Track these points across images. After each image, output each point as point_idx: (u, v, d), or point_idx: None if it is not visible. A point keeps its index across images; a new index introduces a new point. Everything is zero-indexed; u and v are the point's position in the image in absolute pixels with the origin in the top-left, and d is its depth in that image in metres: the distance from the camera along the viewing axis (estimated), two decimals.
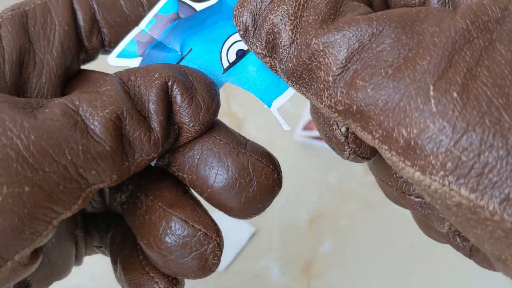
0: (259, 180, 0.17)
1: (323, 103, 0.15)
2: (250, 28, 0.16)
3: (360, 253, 0.36)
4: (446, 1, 0.16)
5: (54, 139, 0.14)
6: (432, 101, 0.13)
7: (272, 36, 0.16)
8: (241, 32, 0.16)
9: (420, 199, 0.18)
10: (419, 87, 0.13)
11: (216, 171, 0.17)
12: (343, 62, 0.14)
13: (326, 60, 0.14)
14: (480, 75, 0.13)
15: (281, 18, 0.15)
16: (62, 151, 0.14)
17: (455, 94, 0.13)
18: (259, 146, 0.18)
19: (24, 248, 0.14)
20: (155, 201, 0.17)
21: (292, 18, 0.15)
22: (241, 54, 0.18)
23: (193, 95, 0.17)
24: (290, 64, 0.15)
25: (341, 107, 0.14)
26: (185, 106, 0.16)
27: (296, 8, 0.15)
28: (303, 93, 0.16)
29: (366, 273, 0.35)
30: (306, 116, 0.45)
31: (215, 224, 0.17)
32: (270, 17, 0.15)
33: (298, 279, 0.34)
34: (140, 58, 0.18)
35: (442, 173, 0.13)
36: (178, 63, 0.18)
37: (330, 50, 0.14)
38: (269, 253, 0.36)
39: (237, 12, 0.16)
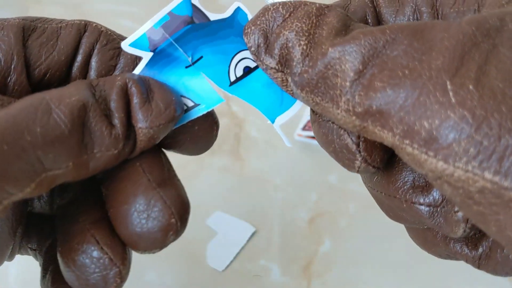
0: (154, 222, 0.18)
1: (340, 108, 0.16)
2: (262, 45, 0.17)
3: (360, 253, 0.36)
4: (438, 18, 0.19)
5: (14, 120, 0.15)
6: (451, 93, 0.14)
7: (286, 51, 0.17)
8: (252, 49, 0.18)
9: (429, 208, 0.18)
10: (437, 82, 0.14)
11: (126, 200, 0.18)
12: (360, 67, 0.15)
13: (343, 66, 0.16)
14: (490, 72, 0.14)
15: (295, 34, 0.17)
16: (21, 131, 0.15)
17: (471, 87, 0.14)
18: (179, 191, 0.19)
19: None
20: (82, 215, 0.18)
21: (306, 34, 0.17)
22: (247, 70, 0.19)
23: (147, 99, 0.18)
24: (305, 75, 0.16)
25: (359, 109, 0.15)
26: (137, 107, 0.17)
27: (309, 25, 0.17)
28: (316, 103, 0.17)
29: (366, 273, 0.35)
30: (306, 116, 0.45)
31: (125, 253, 0.18)
32: (284, 33, 0.17)
33: (298, 279, 0.34)
34: (151, 54, 0.18)
35: (465, 159, 0.13)
36: (187, 68, 0.19)
37: (347, 57, 0.16)
38: (269, 253, 0.36)
39: (248, 30, 0.18)
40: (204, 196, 0.40)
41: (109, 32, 0.20)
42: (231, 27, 0.19)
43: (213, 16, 0.19)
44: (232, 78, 0.19)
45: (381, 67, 0.15)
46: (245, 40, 0.18)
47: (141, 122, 0.17)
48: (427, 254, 0.36)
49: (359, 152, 0.18)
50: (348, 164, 0.18)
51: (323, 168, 0.42)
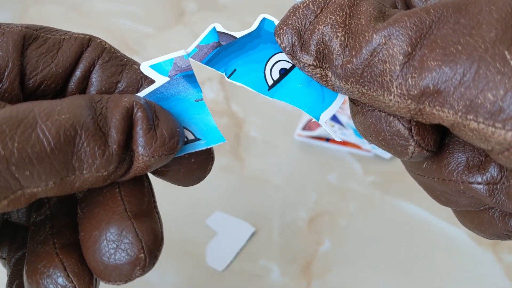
0: (122, 254, 0.17)
1: (392, 93, 0.16)
2: (296, 43, 0.17)
3: (360, 252, 0.36)
4: None
5: None
6: (511, 62, 0.14)
7: (323, 46, 0.17)
8: (287, 49, 0.17)
9: (489, 186, 0.18)
10: (494, 53, 0.14)
11: (98, 226, 0.17)
12: (409, 50, 0.15)
13: (391, 51, 0.15)
14: None
15: (331, 27, 0.16)
16: None
17: None
18: (155, 225, 0.18)
19: None
20: (54, 236, 0.18)
21: (342, 26, 0.16)
22: (284, 72, 0.19)
23: (152, 126, 0.17)
24: (349, 66, 0.16)
25: (415, 91, 0.15)
26: (141, 133, 0.17)
27: (344, 16, 0.17)
28: (362, 93, 0.16)
29: (366, 272, 0.35)
30: (306, 116, 0.45)
31: (91, 283, 0.17)
32: (319, 28, 0.17)
33: (298, 279, 0.34)
34: (167, 79, 0.18)
35: None
36: (196, 101, 0.19)
37: (394, 41, 0.15)
38: (269, 253, 0.36)
39: (281, 31, 0.17)
40: (204, 196, 0.40)
41: (113, 50, 0.19)
42: (259, 37, 0.20)
43: (239, 34, 0.19)
44: (270, 82, 0.19)
45: (431, 46, 0.15)
46: (278, 41, 0.18)
47: (142, 149, 0.17)
48: (427, 254, 0.36)
49: (412, 137, 0.17)
50: (400, 151, 0.18)
51: (322, 168, 0.42)
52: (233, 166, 0.42)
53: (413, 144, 0.17)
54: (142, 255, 0.17)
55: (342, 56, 0.16)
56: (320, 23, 0.17)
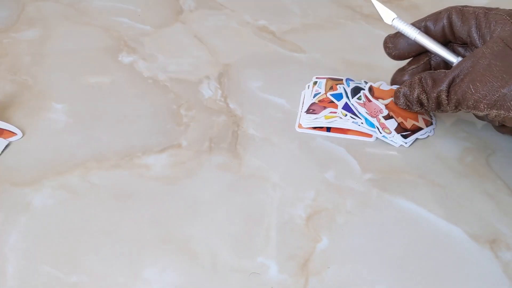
0: None
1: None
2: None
3: (358, 250, 0.36)
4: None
5: None
6: None
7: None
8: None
9: None
10: None
11: None
12: None
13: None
14: None
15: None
16: None
17: None
18: None
19: None
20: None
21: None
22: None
23: None
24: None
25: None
26: None
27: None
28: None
29: (364, 269, 0.35)
30: (305, 107, 0.45)
31: None
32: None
33: (295, 276, 0.35)
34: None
35: None
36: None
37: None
38: (266, 250, 0.36)
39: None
40: (202, 193, 0.40)
41: None
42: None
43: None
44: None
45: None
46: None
47: None
48: (424, 251, 0.36)
49: None
50: None
51: (320, 166, 0.42)
52: (230, 164, 0.42)
53: None
54: None
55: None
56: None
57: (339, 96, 0.45)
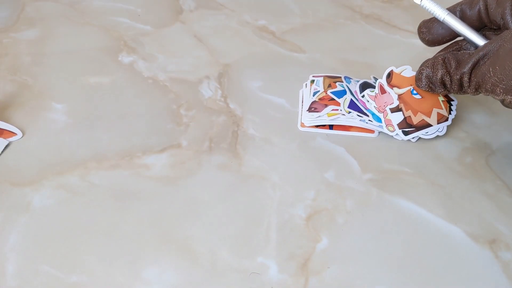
0: None
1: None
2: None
3: (358, 250, 0.36)
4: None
5: None
6: None
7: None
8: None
9: None
10: None
11: None
12: None
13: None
14: None
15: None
16: None
17: None
18: None
19: None
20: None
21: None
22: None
23: None
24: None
25: None
26: None
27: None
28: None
29: (364, 269, 0.35)
30: (306, 106, 0.45)
31: None
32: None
33: (295, 276, 0.35)
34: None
35: None
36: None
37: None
38: (266, 250, 0.36)
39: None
40: (202, 193, 0.40)
41: None
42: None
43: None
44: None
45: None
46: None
47: None
48: (424, 251, 0.36)
49: None
50: None
51: (320, 166, 0.42)
52: (230, 164, 0.42)
53: None
54: None
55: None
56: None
57: (339, 94, 0.45)
